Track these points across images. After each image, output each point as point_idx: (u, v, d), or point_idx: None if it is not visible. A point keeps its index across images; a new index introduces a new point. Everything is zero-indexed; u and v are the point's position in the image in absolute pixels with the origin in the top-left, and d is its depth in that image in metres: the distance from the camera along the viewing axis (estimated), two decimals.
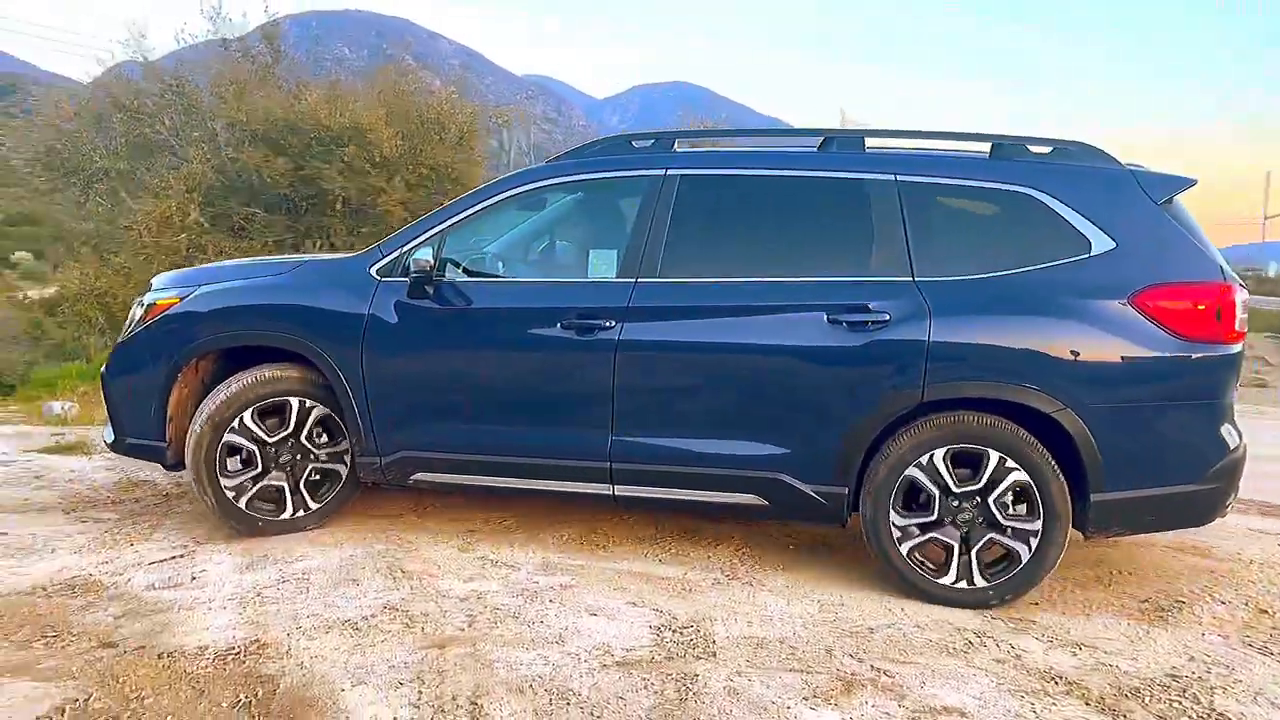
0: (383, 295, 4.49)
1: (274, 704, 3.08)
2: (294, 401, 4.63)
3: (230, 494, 4.62)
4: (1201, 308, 3.91)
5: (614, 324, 4.24)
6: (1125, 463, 3.93)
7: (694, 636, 3.68)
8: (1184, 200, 4.22)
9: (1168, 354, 3.90)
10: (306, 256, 5.27)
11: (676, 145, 4.63)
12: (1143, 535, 4.93)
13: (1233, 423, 4.12)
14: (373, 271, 4.57)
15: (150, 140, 15.07)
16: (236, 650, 3.45)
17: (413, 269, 4.39)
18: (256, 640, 3.54)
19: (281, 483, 4.69)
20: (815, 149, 4.50)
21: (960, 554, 4.05)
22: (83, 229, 15.51)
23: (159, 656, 3.39)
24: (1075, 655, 3.67)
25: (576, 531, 4.95)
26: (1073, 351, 3.90)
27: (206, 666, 3.33)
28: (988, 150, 4.36)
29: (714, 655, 3.52)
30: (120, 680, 3.21)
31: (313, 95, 15.24)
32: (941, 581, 4.08)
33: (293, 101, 14.91)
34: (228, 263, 5.61)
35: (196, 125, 15.08)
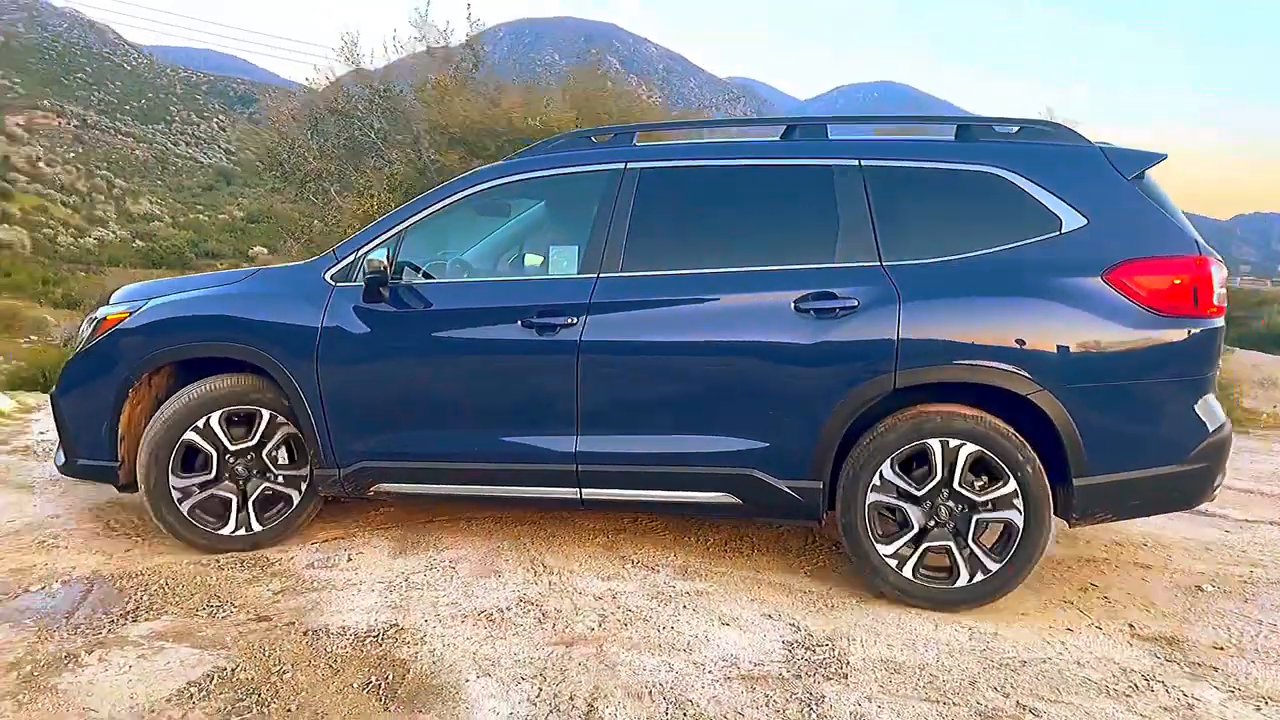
0: (338, 301, 4.32)
1: (401, 688, 3.17)
2: (265, 413, 4.44)
3: (176, 495, 4.38)
4: (1178, 282, 3.81)
5: (576, 321, 4.12)
6: (1106, 445, 3.84)
7: (827, 655, 3.54)
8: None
9: (1145, 331, 3.80)
10: (261, 266, 5.17)
11: (637, 139, 4.58)
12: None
13: (1216, 400, 4.01)
14: (327, 277, 4.40)
15: (359, 142, 15.98)
16: (375, 633, 3.58)
17: (367, 271, 4.22)
18: (395, 625, 3.65)
19: (230, 495, 4.44)
20: (778, 138, 4.49)
21: (962, 551, 3.95)
22: (305, 225, 16.57)
23: (305, 633, 3.55)
24: (1260, 711, 3.30)
25: (723, 537, 4.86)
26: (1047, 331, 3.80)
27: (345, 647, 3.46)
28: (953, 133, 4.34)
29: (845, 677, 3.36)
30: (267, 653, 3.38)
31: (509, 99, 15.77)
32: (954, 585, 3.97)
33: (490, 105, 15.46)
34: (183, 277, 5.71)
35: (401, 128, 15.88)
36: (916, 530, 3.96)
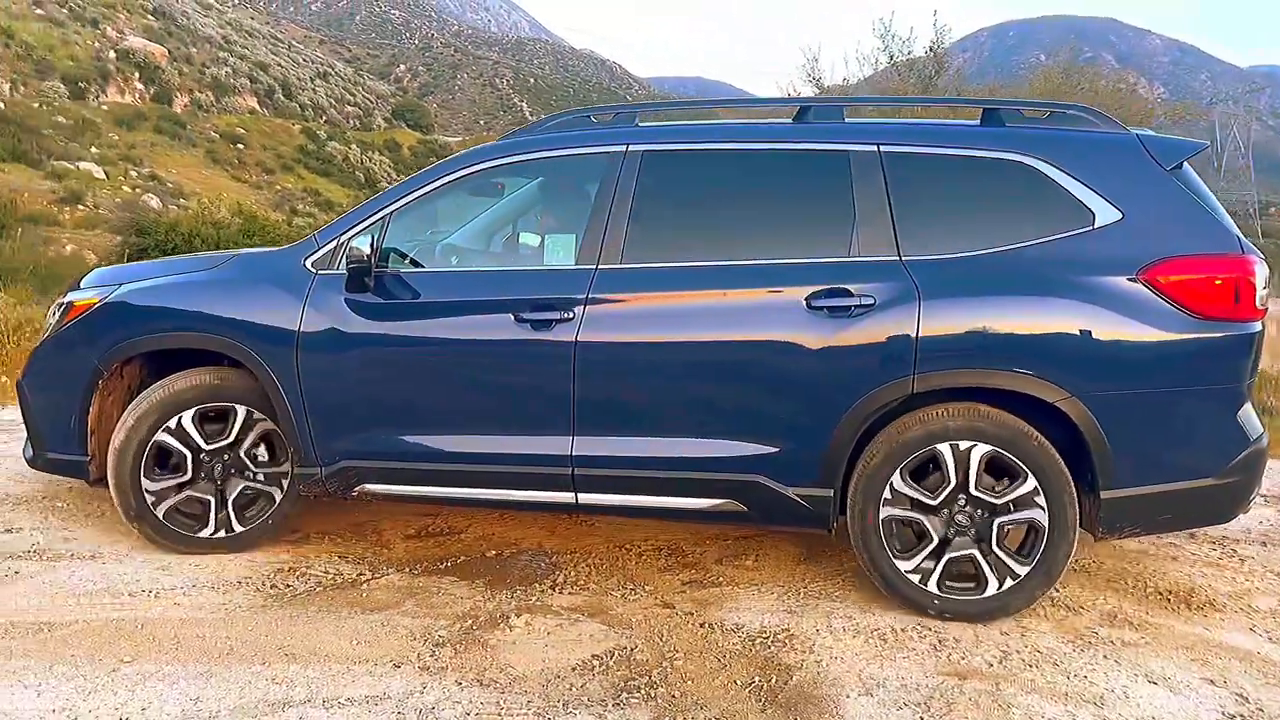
0: (319, 290, 4.09)
1: (781, 693, 3.20)
2: (240, 410, 4.19)
3: (150, 499, 4.15)
4: (1219, 282, 3.54)
5: (573, 315, 3.84)
6: (1137, 456, 3.60)
7: None
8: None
9: (1182, 334, 3.54)
10: (242, 251, 5.03)
11: (639, 119, 4.23)
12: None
13: (1254, 409, 3.75)
14: (308, 264, 4.16)
15: None
16: (766, 635, 3.64)
17: (350, 259, 3.97)
18: (787, 629, 3.69)
19: (208, 496, 4.21)
20: (790, 120, 4.13)
21: (986, 560, 3.68)
22: None
23: (701, 625, 3.71)
24: None
25: (1168, 584, 4.30)
26: (1077, 334, 3.55)
27: (736, 643, 3.56)
28: (979, 117, 4.03)
29: None
30: (664, 639, 3.58)
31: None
32: (974, 596, 3.71)
33: (947, 111, 15.06)
34: (158, 260, 5.54)
35: None
36: (936, 542, 3.70)
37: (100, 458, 4.23)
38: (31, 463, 4.44)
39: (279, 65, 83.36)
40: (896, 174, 3.81)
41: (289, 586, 3.90)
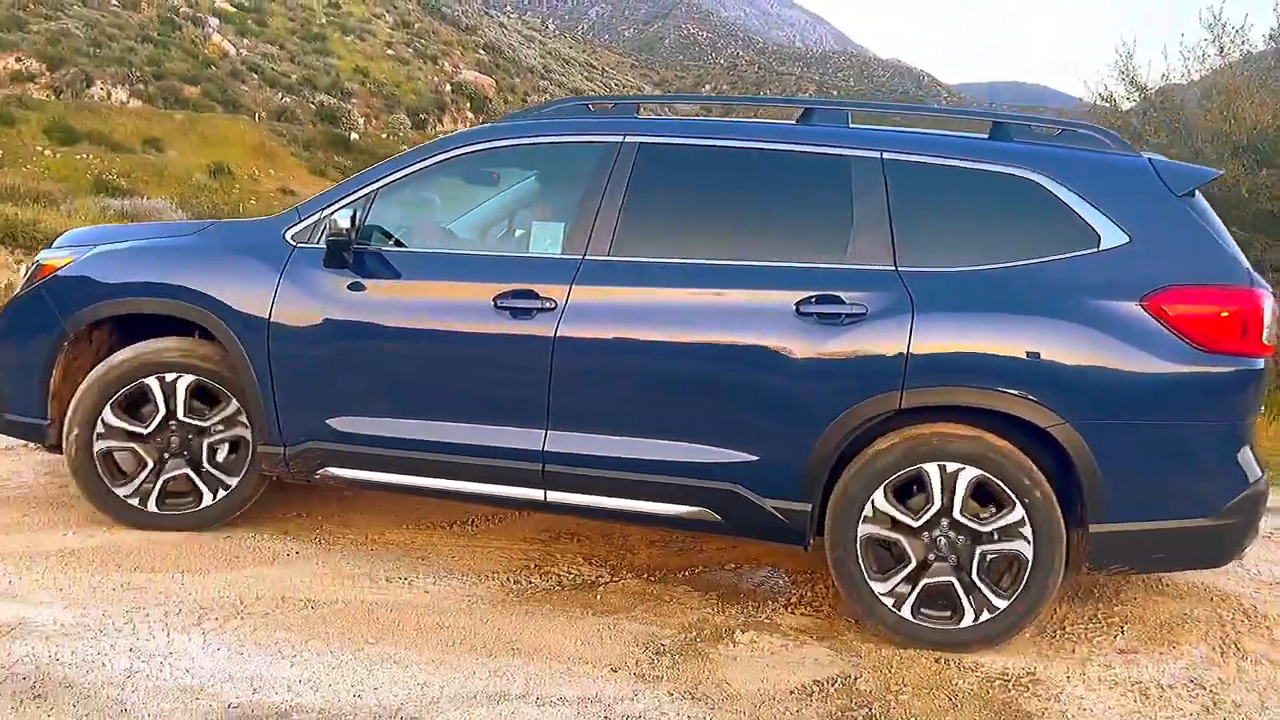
0: (297, 263, 3.97)
1: None
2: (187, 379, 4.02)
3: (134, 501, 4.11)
4: (1225, 315, 3.39)
5: (554, 306, 3.72)
6: (1131, 490, 3.42)
7: None
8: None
9: (1184, 366, 3.38)
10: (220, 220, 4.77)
11: (640, 111, 4.16)
12: None
13: (1255, 449, 3.54)
14: (288, 236, 4.04)
15: None
16: (1008, 677, 3.36)
17: (329, 233, 3.83)
18: (1032, 673, 3.39)
19: (185, 471, 4.08)
20: (794, 121, 4.04)
21: (964, 590, 3.46)
22: None
23: (936, 660, 3.48)
24: None
25: None
26: (1075, 358, 3.42)
27: (971, 683, 3.31)
28: (988, 130, 3.92)
29: None
30: (892, 671, 3.39)
31: None
32: (957, 627, 3.49)
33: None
34: (139, 224, 5.12)
35: (1179, 142, 14.48)
36: (915, 565, 3.50)
37: (59, 423, 4.14)
38: None
39: (592, 90, 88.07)
40: (899, 182, 3.69)
41: (530, 583, 4.06)
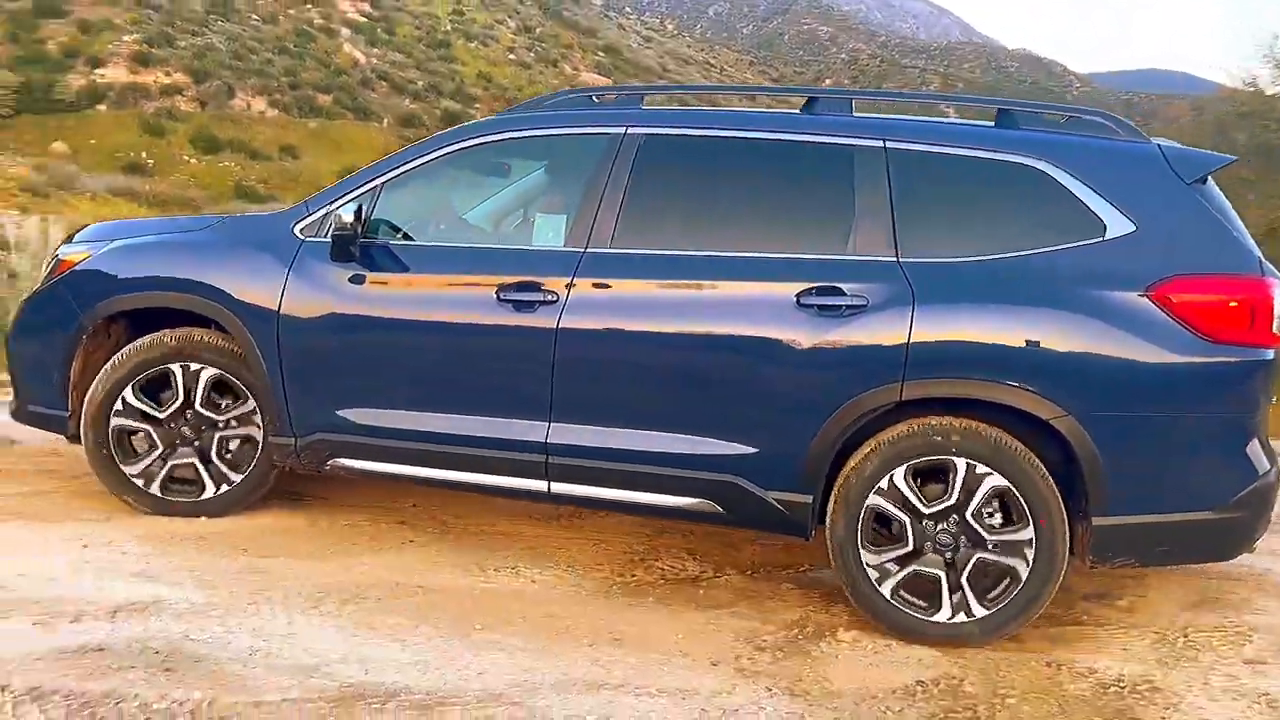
0: (304, 257, 4.02)
1: None
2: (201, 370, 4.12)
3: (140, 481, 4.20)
4: (1233, 304, 3.31)
5: (556, 298, 3.74)
6: (1135, 483, 3.36)
7: None
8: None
9: (1190, 357, 3.32)
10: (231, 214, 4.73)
11: (645, 102, 4.17)
12: None
13: (1264, 441, 3.44)
14: (296, 230, 4.08)
15: (1273, 146, 14.17)
16: (1122, 684, 3.24)
17: (335, 228, 3.86)
18: (1149, 681, 3.26)
19: (193, 460, 4.17)
20: (798, 110, 4.00)
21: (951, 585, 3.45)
22: None
23: (1048, 664, 3.39)
24: None
25: None
26: (1078, 349, 3.34)
27: (1083, 689, 3.21)
28: (994, 118, 3.81)
29: None
30: (1000, 674, 3.32)
31: None
32: (935, 619, 3.47)
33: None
34: (154, 219, 5.29)
35: None
36: (910, 549, 3.49)
37: (78, 414, 4.24)
38: (14, 415, 4.51)
39: None
40: (901, 171, 3.64)
41: (634, 576, 4.11)
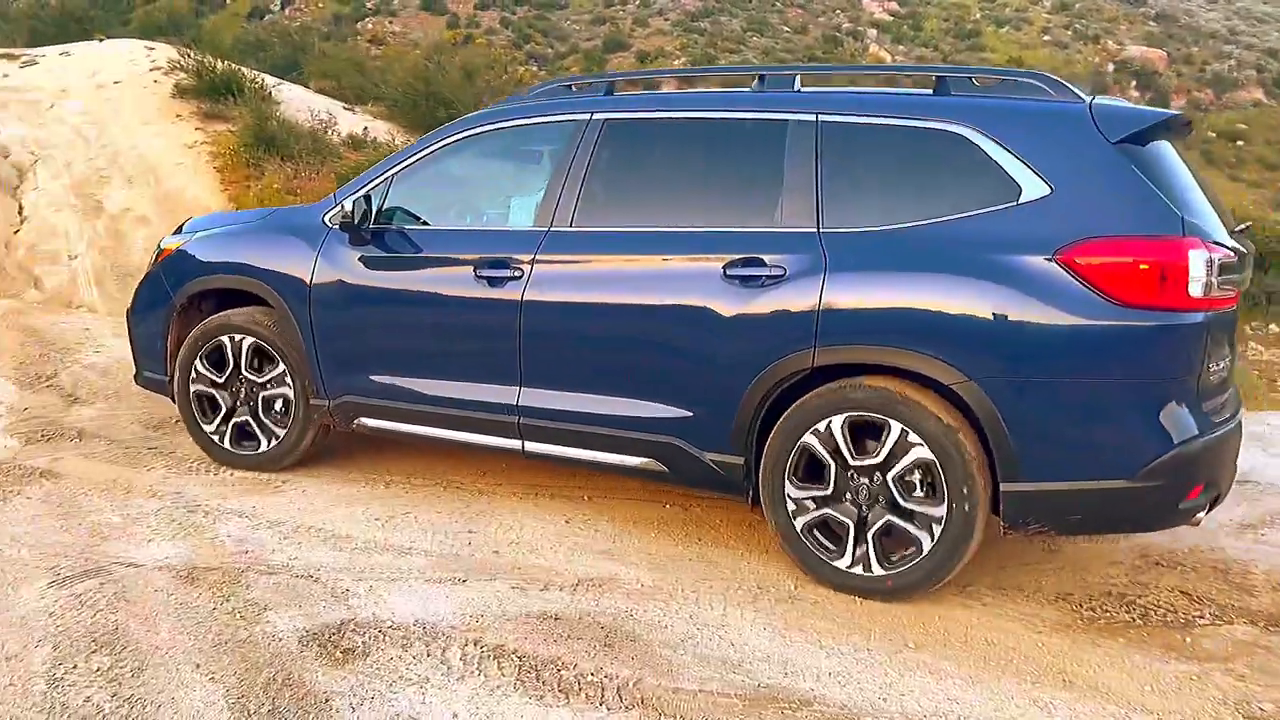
0: (330, 243, 4.55)
1: None
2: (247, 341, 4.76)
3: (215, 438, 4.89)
4: (1144, 267, 3.20)
5: (520, 273, 4.10)
6: (1043, 448, 3.34)
7: None
8: None
9: (1096, 321, 3.25)
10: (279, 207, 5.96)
11: (617, 88, 4.40)
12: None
13: (1192, 408, 3.32)
14: (325, 219, 4.60)
15: None
16: None
17: (340, 215, 4.45)
18: None
19: (248, 418, 4.81)
20: (749, 89, 4.14)
21: (857, 538, 3.58)
22: None
23: None
24: None
25: None
26: (981, 315, 3.33)
27: None
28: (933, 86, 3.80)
29: None
30: None
31: None
32: (837, 565, 3.62)
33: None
34: (233, 212, 6.05)
35: None
36: (828, 493, 3.62)
37: (174, 379, 4.95)
38: (136, 380, 5.29)
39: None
40: (829, 144, 3.72)
41: (1107, 611, 3.64)
